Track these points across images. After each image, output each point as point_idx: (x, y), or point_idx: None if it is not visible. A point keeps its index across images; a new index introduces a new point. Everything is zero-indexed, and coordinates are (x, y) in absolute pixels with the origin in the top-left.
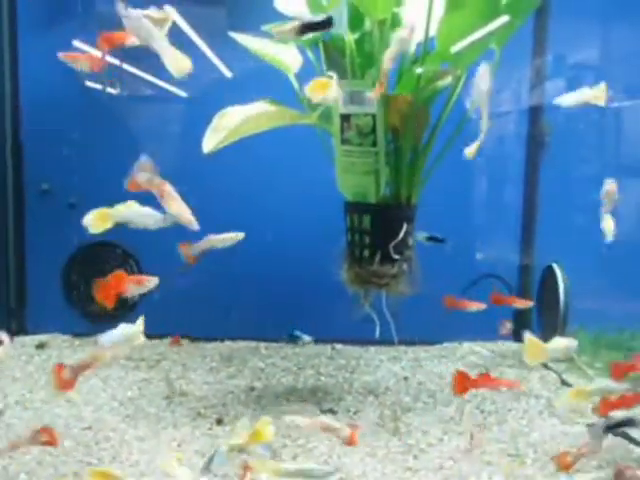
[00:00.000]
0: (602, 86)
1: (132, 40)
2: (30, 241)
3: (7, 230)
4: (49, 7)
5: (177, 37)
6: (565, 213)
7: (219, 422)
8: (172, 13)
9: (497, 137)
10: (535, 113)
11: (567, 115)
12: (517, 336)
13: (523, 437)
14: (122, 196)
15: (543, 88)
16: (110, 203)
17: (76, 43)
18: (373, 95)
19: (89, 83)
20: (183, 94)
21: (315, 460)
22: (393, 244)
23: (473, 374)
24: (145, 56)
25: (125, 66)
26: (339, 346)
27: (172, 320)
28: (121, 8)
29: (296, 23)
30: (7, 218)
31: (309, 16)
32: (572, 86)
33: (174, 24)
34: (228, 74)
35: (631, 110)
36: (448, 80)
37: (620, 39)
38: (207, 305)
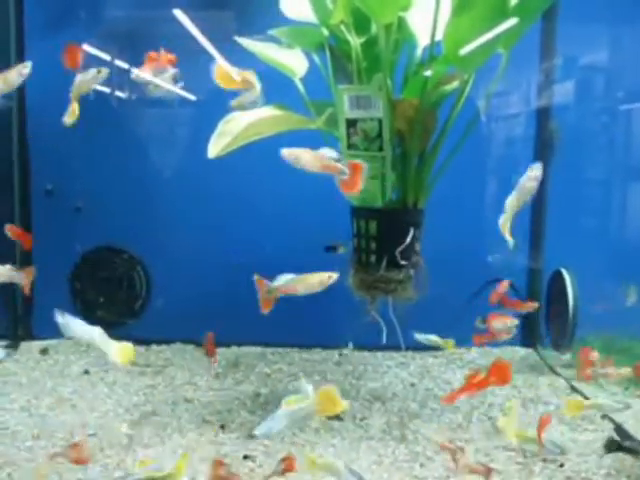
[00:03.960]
0: None
1: None
2: (36, 245)
3: None
4: (56, 10)
5: (186, 42)
6: (574, 216)
7: (222, 428)
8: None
9: (505, 139)
10: (543, 115)
11: (576, 117)
12: (525, 341)
13: (531, 445)
14: (127, 200)
15: (551, 90)
16: (117, 206)
17: (85, 46)
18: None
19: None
20: (191, 98)
21: None
22: (400, 249)
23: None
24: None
25: (133, 70)
26: (346, 352)
27: (177, 326)
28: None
29: None
30: (14, 223)
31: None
32: (581, 88)
33: (183, 29)
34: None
35: None
36: (455, 84)
37: (629, 41)
38: (212, 310)
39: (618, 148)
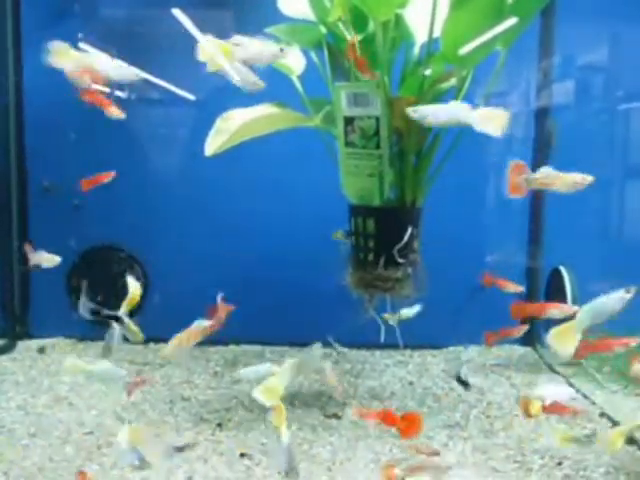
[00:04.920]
0: None
1: None
2: (34, 243)
3: (11, 233)
4: (53, 7)
5: (185, 40)
6: (573, 215)
7: (220, 426)
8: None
9: (504, 138)
10: (542, 114)
11: (575, 116)
12: (524, 340)
13: (529, 443)
14: (125, 198)
15: (550, 89)
16: (115, 205)
17: (84, 42)
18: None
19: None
20: (189, 97)
21: (318, 466)
22: (397, 248)
23: (476, 377)
24: (152, 59)
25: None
26: (344, 350)
27: (175, 324)
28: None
29: None
30: (11, 221)
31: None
32: (579, 87)
33: (181, 27)
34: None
35: None
36: (453, 81)
37: (628, 40)
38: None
39: (617, 147)
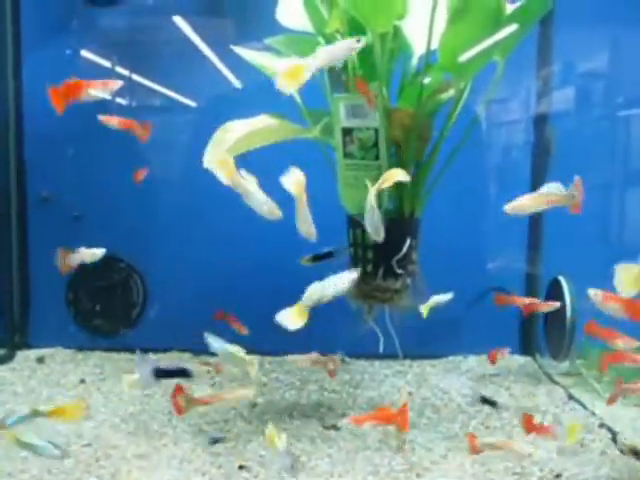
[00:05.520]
0: None
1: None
2: (34, 254)
3: (11, 243)
4: (53, 19)
5: (185, 49)
6: (573, 223)
7: (219, 439)
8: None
9: (503, 147)
10: (541, 121)
11: (574, 123)
12: (524, 350)
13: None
14: (124, 208)
15: (549, 96)
16: (114, 215)
17: (84, 53)
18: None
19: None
20: (191, 105)
21: (316, 478)
22: (396, 259)
23: (478, 387)
24: (152, 67)
25: (133, 77)
26: (348, 360)
27: (173, 334)
28: None
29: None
30: (11, 231)
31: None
32: (578, 94)
33: (183, 36)
34: (235, 86)
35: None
36: (451, 92)
37: (626, 47)
38: (208, 319)
39: (616, 154)
